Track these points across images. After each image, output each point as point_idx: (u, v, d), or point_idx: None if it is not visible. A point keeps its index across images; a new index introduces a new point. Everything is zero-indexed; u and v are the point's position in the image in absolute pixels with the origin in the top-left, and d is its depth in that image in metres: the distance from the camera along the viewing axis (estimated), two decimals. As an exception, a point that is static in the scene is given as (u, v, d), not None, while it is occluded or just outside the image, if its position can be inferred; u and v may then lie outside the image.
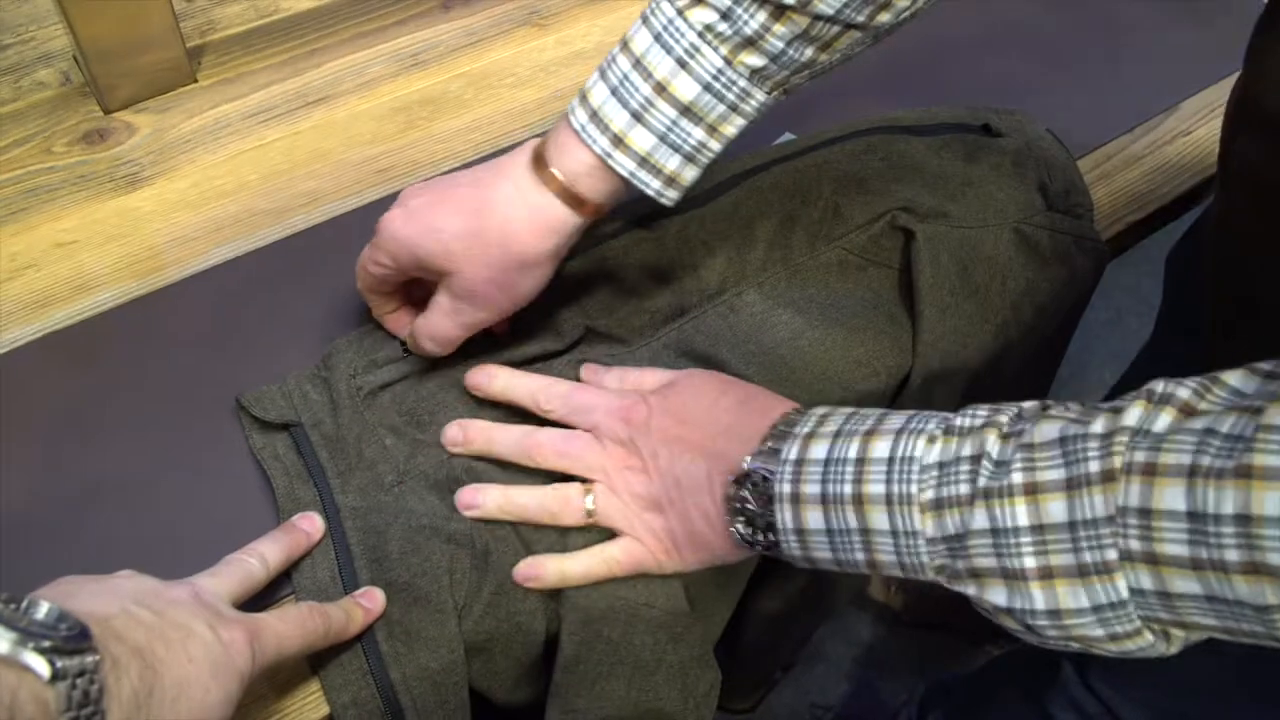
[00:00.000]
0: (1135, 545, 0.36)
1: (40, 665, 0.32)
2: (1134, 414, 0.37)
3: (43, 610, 0.34)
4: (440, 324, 0.53)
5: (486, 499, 0.52)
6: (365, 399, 0.55)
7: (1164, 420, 0.37)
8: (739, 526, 0.46)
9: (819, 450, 0.44)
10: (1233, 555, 0.33)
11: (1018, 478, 0.39)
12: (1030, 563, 0.38)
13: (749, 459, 0.46)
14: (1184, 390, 0.38)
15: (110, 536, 0.52)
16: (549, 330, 0.58)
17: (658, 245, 0.61)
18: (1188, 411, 0.37)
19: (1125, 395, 0.39)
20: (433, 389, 0.56)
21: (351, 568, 0.50)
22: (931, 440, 0.42)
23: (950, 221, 0.61)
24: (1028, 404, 0.42)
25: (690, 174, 0.51)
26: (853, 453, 0.43)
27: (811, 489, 0.43)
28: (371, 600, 0.49)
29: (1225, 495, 0.33)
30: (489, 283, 0.52)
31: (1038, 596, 0.38)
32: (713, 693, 0.54)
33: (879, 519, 0.42)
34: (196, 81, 0.73)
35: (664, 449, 0.50)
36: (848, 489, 0.42)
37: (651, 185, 0.50)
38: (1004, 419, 0.41)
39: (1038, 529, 0.38)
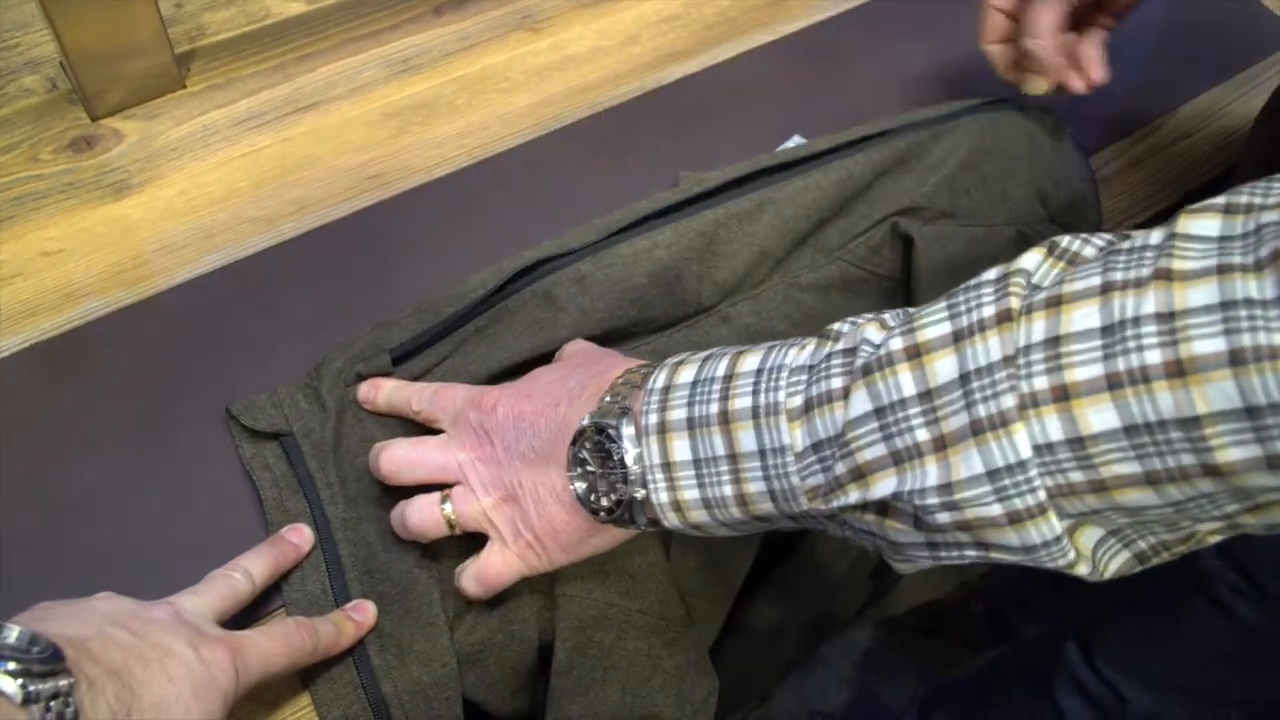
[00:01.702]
0: (1040, 383, 0.31)
1: (11, 688, 0.32)
2: (1032, 259, 0.34)
3: (13, 634, 0.33)
4: None
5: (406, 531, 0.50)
6: (356, 409, 0.54)
7: (1057, 275, 0.33)
8: (578, 487, 0.43)
9: (687, 374, 0.40)
10: (1154, 356, 0.29)
11: (897, 344, 0.34)
12: (923, 435, 0.33)
13: (587, 416, 0.43)
14: (1090, 249, 0.34)
15: (96, 549, 0.51)
16: (541, 333, 0.57)
17: (667, 254, 0.60)
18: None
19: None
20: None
21: (343, 580, 0.50)
22: (804, 347, 0.38)
23: (957, 221, 0.60)
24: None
25: None
26: (721, 370, 0.39)
27: (677, 414, 0.40)
28: (362, 613, 0.48)
29: (1145, 299, 0.29)
30: None
31: (931, 471, 0.33)
32: (710, 699, 0.53)
33: (746, 438, 0.38)
34: (185, 88, 0.72)
35: (511, 428, 0.46)
36: (714, 408, 0.38)
37: None
38: (887, 315, 0.37)
39: (925, 395, 0.33)
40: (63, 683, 0.33)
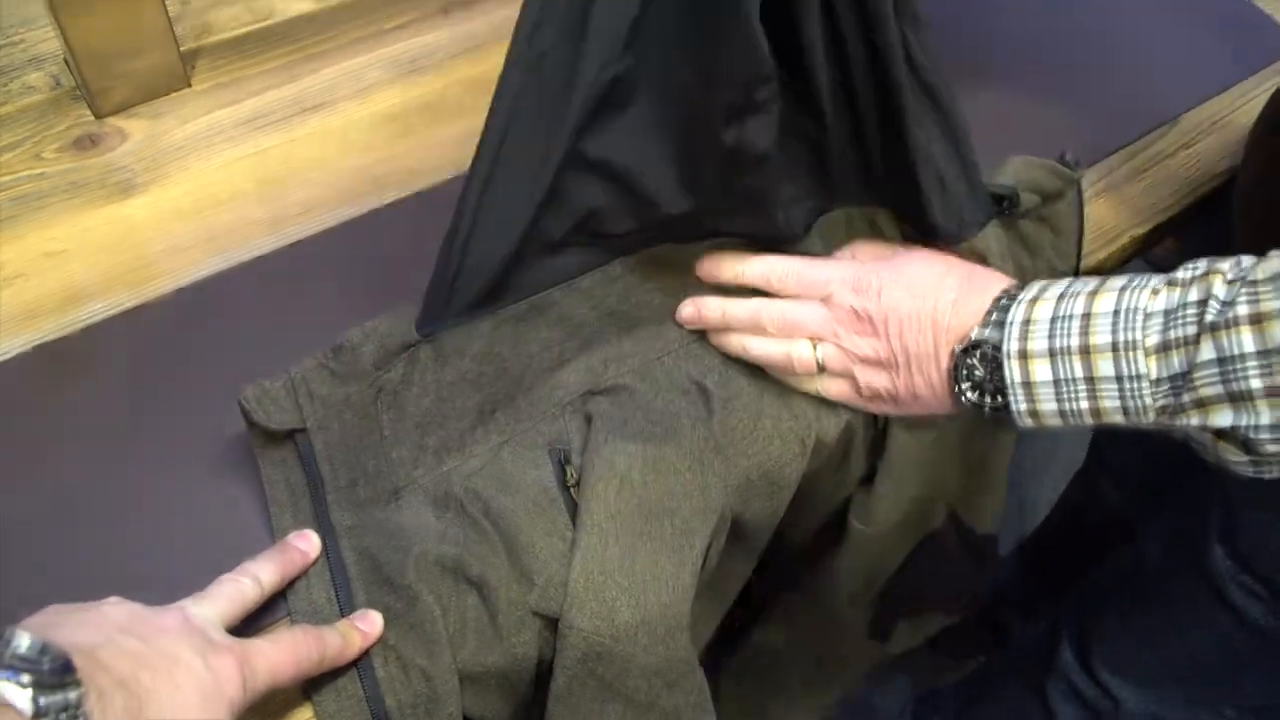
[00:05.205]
0: None
1: (22, 700, 0.31)
2: None
3: (25, 643, 0.33)
4: None
5: (706, 310, 0.57)
6: (380, 400, 0.54)
7: None
8: (968, 394, 0.50)
9: (1044, 311, 0.47)
10: None
11: (1243, 309, 0.41)
12: (1256, 384, 0.41)
13: (976, 329, 0.49)
14: None
15: (101, 553, 0.51)
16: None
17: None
18: None
19: None
20: (450, 383, 0.55)
21: (348, 589, 0.49)
22: (1155, 292, 0.45)
23: None
24: (1245, 256, 0.44)
25: None
26: (1078, 309, 0.46)
27: (1039, 344, 0.47)
28: (369, 624, 0.48)
29: None
30: None
31: (1264, 412, 0.41)
32: None
33: (1105, 366, 0.45)
34: (190, 86, 0.71)
35: (894, 318, 0.52)
36: (1074, 341, 0.46)
37: None
38: (1224, 265, 0.44)
39: (1264, 354, 0.41)
40: (72, 695, 0.33)
